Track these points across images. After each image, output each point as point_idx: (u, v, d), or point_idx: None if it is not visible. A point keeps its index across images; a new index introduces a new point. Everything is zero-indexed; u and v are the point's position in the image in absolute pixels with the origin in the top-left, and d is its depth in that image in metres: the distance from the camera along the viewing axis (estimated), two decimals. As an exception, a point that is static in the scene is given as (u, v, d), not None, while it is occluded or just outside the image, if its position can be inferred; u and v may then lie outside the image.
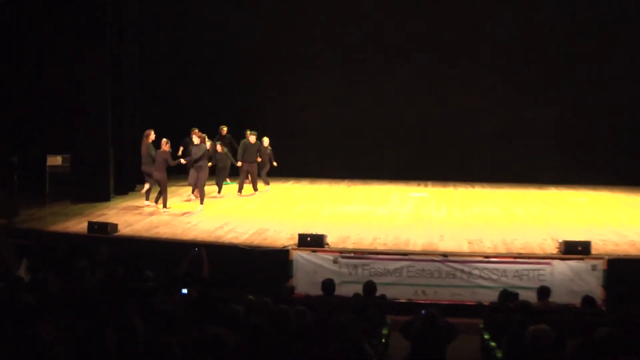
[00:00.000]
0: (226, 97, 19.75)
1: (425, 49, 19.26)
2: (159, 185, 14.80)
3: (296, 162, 19.76)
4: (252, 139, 16.70)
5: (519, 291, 9.92)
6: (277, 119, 19.69)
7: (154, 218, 14.20)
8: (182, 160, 15.12)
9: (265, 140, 17.05)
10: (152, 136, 15.34)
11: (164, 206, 14.78)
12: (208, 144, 15.63)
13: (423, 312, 7.95)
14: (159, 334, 5.80)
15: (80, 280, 8.64)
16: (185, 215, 14.49)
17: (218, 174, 16.69)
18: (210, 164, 15.78)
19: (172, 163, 14.71)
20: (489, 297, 10.63)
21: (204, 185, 14.96)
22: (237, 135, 17.40)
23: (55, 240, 12.49)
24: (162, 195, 14.86)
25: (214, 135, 17.09)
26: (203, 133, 15.50)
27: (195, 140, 15.18)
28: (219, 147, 16.31)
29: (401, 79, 19.40)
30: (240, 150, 16.68)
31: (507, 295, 9.41)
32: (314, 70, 19.67)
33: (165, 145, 14.68)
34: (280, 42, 19.67)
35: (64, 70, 16.23)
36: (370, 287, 9.37)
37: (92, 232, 12.58)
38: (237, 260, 11.78)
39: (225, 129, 17.70)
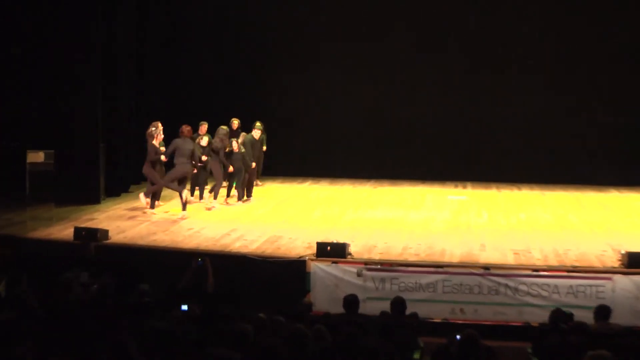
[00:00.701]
0: (235, 89, 19.92)
1: (464, 41, 19.38)
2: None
3: (314, 160, 19.80)
4: (257, 133, 16.61)
5: (574, 311, 9.85)
6: (293, 112, 19.76)
7: (150, 224, 14.28)
8: (163, 157, 15.09)
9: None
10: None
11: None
12: (205, 139, 15.70)
13: (460, 334, 7.94)
14: (156, 358, 5.84)
15: (65, 296, 8.71)
16: (187, 219, 14.59)
17: (231, 178, 16.31)
18: (200, 163, 15.60)
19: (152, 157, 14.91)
20: (539, 317, 10.59)
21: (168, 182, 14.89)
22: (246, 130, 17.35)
23: (36, 248, 12.59)
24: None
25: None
26: (202, 127, 15.78)
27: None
28: (235, 145, 15.77)
29: (439, 68, 19.47)
30: (247, 148, 16.61)
31: (560, 316, 9.35)
32: (336, 58, 19.78)
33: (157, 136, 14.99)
34: (298, 29, 19.86)
35: (48, 57, 16.38)
36: (399, 304, 9.35)
37: (79, 240, 12.65)
38: (246, 273, 11.83)
39: (236, 122, 17.38)
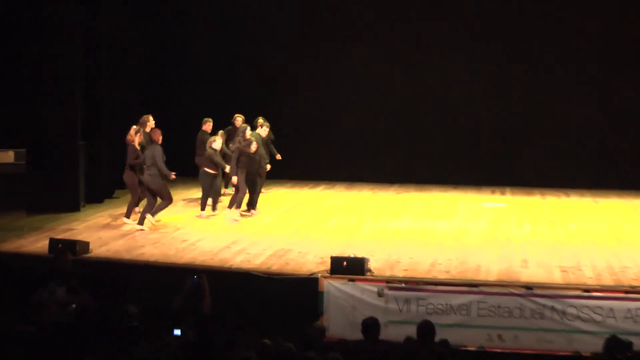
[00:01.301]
0: (232, 83, 20.10)
1: (504, 37, 19.52)
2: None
3: (328, 161, 19.78)
4: (265, 131, 16.40)
5: (633, 338, 9.74)
6: (303, 105, 19.77)
7: (137, 235, 14.29)
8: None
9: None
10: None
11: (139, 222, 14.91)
12: (219, 141, 15.69)
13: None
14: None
15: (39, 318, 8.69)
16: (180, 230, 14.59)
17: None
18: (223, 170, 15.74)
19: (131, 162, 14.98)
20: (591, 345, 10.46)
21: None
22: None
23: (5, 263, 12.56)
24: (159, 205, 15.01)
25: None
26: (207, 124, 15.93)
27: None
28: (254, 146, 15.46)
29: (478, 58, 19.54)
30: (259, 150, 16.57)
31: (616, 344, 9.27)
32: (355, 48, 19.91)
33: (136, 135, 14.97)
34: (315, 20, 20.08)
35: (20, 44, 16.43)
36: (427, 329, 9.29)
37: (55, 253, 12.61)
38: (248, 292, 11.82)
39: (240, 119, 17.15)
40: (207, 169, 15.51)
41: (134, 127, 15.07)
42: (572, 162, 19.44)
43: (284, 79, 20.05)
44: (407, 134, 19.78)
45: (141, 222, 14.65)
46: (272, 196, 18.03)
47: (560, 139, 19.41)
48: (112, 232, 14.52)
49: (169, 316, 9.14)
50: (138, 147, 14.93)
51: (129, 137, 14.94)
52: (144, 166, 14.69)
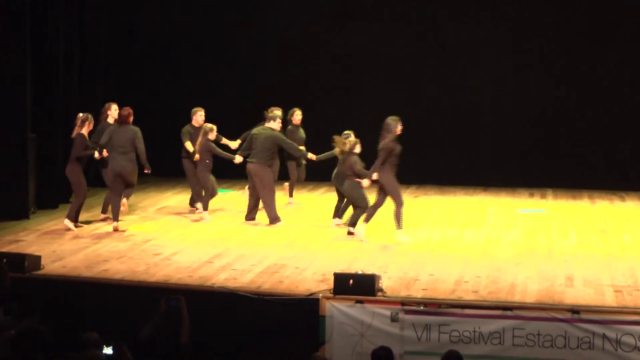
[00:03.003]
0: (217, 72, 20.51)
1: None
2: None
3: (331, 160, 19.77)
4: (298, 118, 17.53)
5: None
6: (307, 97, 19.87)
7: (100, 246, 14.28)
8: (96, 154, 15.54)
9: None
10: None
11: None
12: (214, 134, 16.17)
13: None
14: None
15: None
16: (152, 242, 14.60)
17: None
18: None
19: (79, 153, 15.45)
20: (651, 380, 10.55)
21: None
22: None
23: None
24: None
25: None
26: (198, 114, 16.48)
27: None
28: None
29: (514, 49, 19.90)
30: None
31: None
32: (372, 37, 20.36)
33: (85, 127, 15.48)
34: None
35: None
36: (453, 361, 9.29)
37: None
38: (235, 316, 11.81)
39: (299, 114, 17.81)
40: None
41: (81, 115, 15.47)
42: (628, 160, 19.45)
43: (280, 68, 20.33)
44: (426, 125, 19.81)
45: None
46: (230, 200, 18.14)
47: (612, 131, 19.44)
48: (69, 244, 14.51)
49: (139, 346, 9.12)
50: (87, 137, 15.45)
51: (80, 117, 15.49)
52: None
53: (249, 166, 15.98)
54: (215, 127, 16.20)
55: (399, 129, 14.91)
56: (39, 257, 13.06)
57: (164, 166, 17.97)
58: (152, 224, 15.88)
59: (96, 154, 15.40)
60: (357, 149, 15.33)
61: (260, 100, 18.13)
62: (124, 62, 20.46)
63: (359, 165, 15.17)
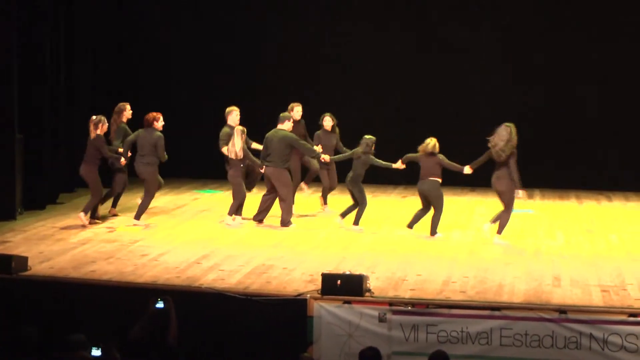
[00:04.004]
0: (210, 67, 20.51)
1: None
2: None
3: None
4: (328, 124, 17.32)
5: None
6: (290, 95, 19.88)
7: (88, 248, 14.27)
8: (122, 161, 15.86)
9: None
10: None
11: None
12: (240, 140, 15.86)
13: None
14: None
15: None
16: (139, 242, 14.59)
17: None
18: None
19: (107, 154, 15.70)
20: (638, 381, 10.59)
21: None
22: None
23: None
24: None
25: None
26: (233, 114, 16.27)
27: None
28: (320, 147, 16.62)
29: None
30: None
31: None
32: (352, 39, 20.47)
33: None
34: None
35: None
36: (440, 361, 9.32)
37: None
38: (222, 317, 11.80)
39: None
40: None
41: (95, 117, 15.58)
42: (616, 160, 19.47)
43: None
44: (413, 125, 19.78)
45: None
46: (252, 200, 18.01)
47: (599, 132, 19.47)
48: (57, 245, 14.48)
49: (127, 348, 9.13)
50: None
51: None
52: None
53: (266, 169, 15.87)
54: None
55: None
56: (26, 258, 13.03)
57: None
58: (134, 229, 15.82)
59: (122, 160, 15.74)
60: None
61: (252, 108, 18.10)
62: (112, 63, 20.35)
63: (447, 160, 15.41)
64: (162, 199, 18.34)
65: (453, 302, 11.74)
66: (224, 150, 15.93)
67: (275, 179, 15.83)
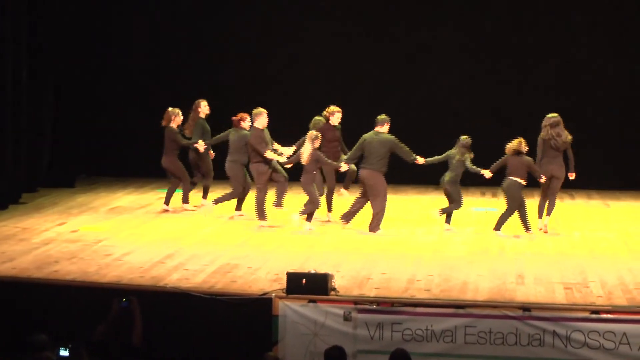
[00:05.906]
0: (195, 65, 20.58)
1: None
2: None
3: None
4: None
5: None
6: (275, 104, 20.00)
7: (50, 247, 14.21)
8: (201, 145, 16.82)
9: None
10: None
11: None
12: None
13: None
14: None
15: None
16: (103, 242, 14.54)
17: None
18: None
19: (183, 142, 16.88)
20: (601, 377, 10.63)
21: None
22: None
23: None
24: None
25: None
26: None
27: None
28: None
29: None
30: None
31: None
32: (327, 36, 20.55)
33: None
34: None
35: None
36: (402, 359, 9.35)
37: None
38: (187, 317, 11.81)
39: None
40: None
41: (171, 109, 16.86)
42: (578, 158, 19.53)
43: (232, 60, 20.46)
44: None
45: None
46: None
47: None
48: (19, 245, 14.42)
49: (91, 348, 9.12)
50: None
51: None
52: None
53: (362, 172, 15.64)
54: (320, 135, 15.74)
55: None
56: (-13, 258, 13.05)
57: (115, 166, 17.92)
58: (103, 225, 15.81)
59: (201, 148, 16.80)
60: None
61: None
62: (74, 61, 20.19)
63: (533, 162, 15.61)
64: (126, 199, 18.32)
65: (418, 301, 11.78)
66: (268, 154, 15.82)
67: (370, 184, 15.53)
